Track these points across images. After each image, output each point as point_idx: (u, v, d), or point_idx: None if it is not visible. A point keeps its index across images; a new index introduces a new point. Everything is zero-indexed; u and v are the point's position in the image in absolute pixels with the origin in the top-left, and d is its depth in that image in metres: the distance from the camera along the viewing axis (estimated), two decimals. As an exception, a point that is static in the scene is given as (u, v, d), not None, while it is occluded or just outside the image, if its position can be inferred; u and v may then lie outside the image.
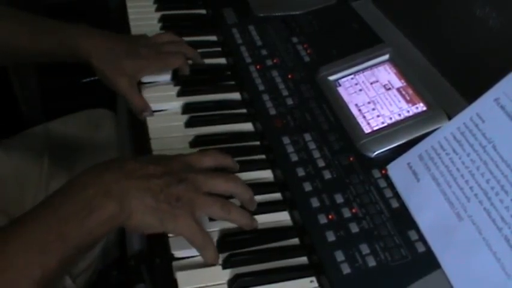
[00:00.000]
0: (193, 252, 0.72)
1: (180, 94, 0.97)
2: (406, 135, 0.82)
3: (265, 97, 0.93)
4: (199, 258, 0.72)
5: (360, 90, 0.90)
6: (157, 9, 1.17)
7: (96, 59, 0.94)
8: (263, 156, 0.88)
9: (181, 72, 1.00)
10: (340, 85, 0.92)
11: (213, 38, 1.12)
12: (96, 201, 0.65)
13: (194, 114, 0.94)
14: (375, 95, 0.89)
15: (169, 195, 0.68)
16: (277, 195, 0.82)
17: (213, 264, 0.72)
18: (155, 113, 0.94)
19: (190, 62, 1.02)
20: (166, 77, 1.00)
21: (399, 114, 0.85)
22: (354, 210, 0.74)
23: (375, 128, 0.84)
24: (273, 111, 0.90)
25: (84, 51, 0.94)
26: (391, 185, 0.77)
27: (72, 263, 0.66)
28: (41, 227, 0.63)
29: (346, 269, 0.68)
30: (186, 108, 0.95)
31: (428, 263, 0.69)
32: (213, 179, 0.73)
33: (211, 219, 0.76)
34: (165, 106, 0.96)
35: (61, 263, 0.63)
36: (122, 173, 0.68)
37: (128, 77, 0.95)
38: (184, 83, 0.99)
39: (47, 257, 0.62)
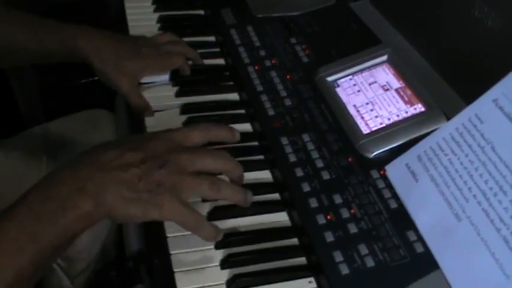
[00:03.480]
0: (191, 249, 0.72)
1: (178, 94, 0.97)
2: (404, 136, 0.82)
3: (264, 98, 0.93)
4: (198, 257, 0.72)
5: (359, 91, 0.90)
6: (155, 10, 1.17)
7: (96, 60, 0.94)
8: (261, 157, 0.88)
9: (181, 73, 1.00)
10: (338, 86, 0.92)
11: (212, 38, 1.12)
12: (70, 199, 0.63)
13: (193, 115, 0.94)
14: (373, 96, 0.89)
15: (149, 183, 0.65)
16: (275, 196, 0.82)
17: (215, 240, 0.71)
18: (154, 113, 0.94)
19: (190, 62, 1.02)
20: (165, 77, 1.00)
21: (397, 115, 0.85)
22: (352, 211, 0.75)
23: (373, 129, 0.84)
24: (271, 112, 0.90)
25: (84, 51, 0.94)
26: (389, 186, 0.77)
27: (50, 262, 0.64)
28: (14, 226, 0.61)
29: (344, 270, 0.68)
30: (185, 109, 0.95)
31: (427, 263, 0.69)
32: (198, 157, 0.69)
33: (210, 219, 0.76)
34: (163, 106, 0.96)
35: (35, 263, 0.61)
36: (97, 166, 0.65)
37: (128, 77, 0.95)
38: (183, 84, 0.99)
39: (20, 258, 0.60)
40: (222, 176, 0.73)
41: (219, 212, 0.78)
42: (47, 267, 0.64)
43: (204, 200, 0.75)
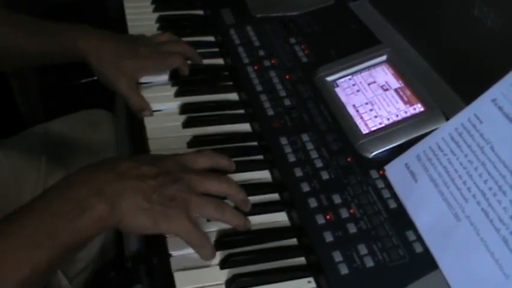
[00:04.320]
0: (190, 250, 0.72)
1: (177, 94, 0.97)
2: (403, 136, 0.82)
3: (263, 98, 0.93)
4: (197, 257, 0.72)
5: (358, 91, 0.90)
6: (155, 10, 1.17)
7: (95, 60, 0.94)
8: (261, 157, 0.88)
9: (181, 73, 1.00)
10: (337, 86, 0.92)
11: (211, 38, 1.12)
12: (88, 201, 0.65)
13: (192, 115, 0.94)
14: (372, 96, 0.89)
15: (163, 196, 0.68)
16: (275, 196, 0.82)
17: (211, 259, 0.72)
18: (153, 113, 0.94)
19: (189, 62, 1.02)
20: (164, 77, 1.00)
21: (397, 115, 0.85)
22: (351, 211, 0.75)
23: (372, 129, 0.84)
24: (270, 112, 0.90)
25: (83, 52, 0.94)
26: (389, 186, 0.77)
27: (61, 263, 0.65)
28: (33, 222, 0.63)
29: (344, 270, 0.68)
30: (184, 109, 0.95)
31: (426, 263, 0.69)
32: (207, 179, 0.73)
33: (208, 220, 0.76)
34: (162, 106, 0.96)
35: (50, 261, 0.62)
36: (115, 173, 0.68)
37: (127, 76, 0.95)
38: (182, 84, 0.99)
39: (37, 253, 0.62)
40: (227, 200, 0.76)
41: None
42: (57, 268, 0.65)
43: (208, 219, 0.76)
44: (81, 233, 0.64)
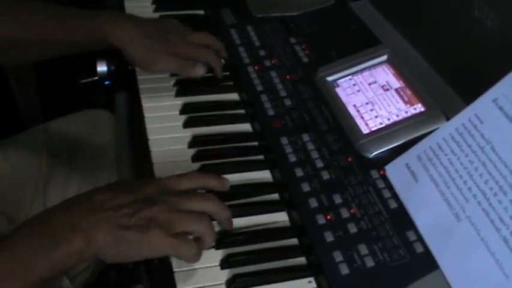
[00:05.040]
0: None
1: (178, 94, 0.97)
2: (404, 136, 0.82)
3: (264, 98, 0.93)
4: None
5: (358, 91, 0.90)
6: (155, 10, 1.17)
7: (130, 46, 0.95)
8: (261, 157, 0.88)
9: (215, 74, 1.00)
10: (338, 86, 0.92)
11: (211, 38, 1.12)
12: (63, 235, 0.64)
13: (192, 115, 0.94)
14: (373, 96, 0.89)
15: (140, 220, 0.66)
16: (275, 196, 0.82)
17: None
18: (152, 114, 0.94)
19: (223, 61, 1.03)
20: (164, 77, 1.00)
21: (397, 115, 0.85)
22: (352, 211, 0.75)
23: (373, 129, 0.84)
24: (271, 112, 0.90)
25: (114, 39, 0.94)
26: (389, 186, 0.77)
27: None
28: (7, 255, 0.63)
29: (344, 270, 0.68)
30: (184, 109, 0.95)
31: (427, 263, 0.69)
32: (187, 199, 0.71)
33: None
34: (163, 106, 0.95)
35: None
36: (90, 206, 0.67)
37: (163, 53, 0.96)
38: (183, 84, 0.99)
39: (9, 284, 0.62)
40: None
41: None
42: None
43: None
44: (57, 266, 0.64)
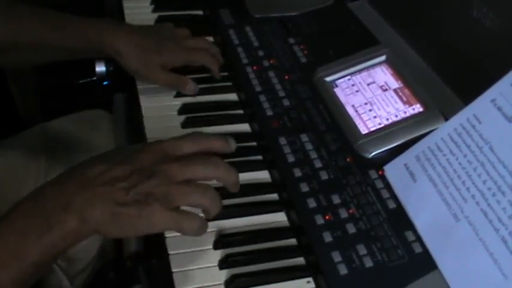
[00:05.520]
0: (190, 250, 0.72)
1: (177, 95, 0.97)
2: (403, 136, 0.82)
3: (262, 98, 0.93)
4: (196, 257, 0.72)
5: (357, 91, 0.90)
6: (154, 10, 1.17)
7: (125, 57, 0.95)
8: (260, 157, 0.88)
9: (213, 74, 1.00)
10: (337, 86, 0.92)
11: (210, 39, 1.11)
12: (56, 215, 0.61)
13: (191, 115, 0.94)
14: (371, 96, 0.89)
15: (137, 195, 0.62)
16: (274, 196, 0.82)
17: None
18: (151, 114, 0.94)
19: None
20: None
21: (396, 115, 0.85)
22: (351, 211, 0.75)
23: (371, 129, 0.84)
24: (269, 112, 0.90)
25: (112, 50, 0.95)
26: (388, 186, 0.77)
27: (32, 280, 0.62)
28: None
29: (343, 270, 0.68)
30: (183, 109, 0.95)
31: (425, 263, 0.69)
32: (188, 165, 0.66)
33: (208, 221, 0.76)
34: (162, 106, 0.96)
35: (15, 281, 0.60)
36: (83, 181, 0.63)
37: (155, 69, 0.96)
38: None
39: (0, 273, 0.59)
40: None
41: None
42: (29, 285, 0.63)
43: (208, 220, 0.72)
44: (50, 249, 0.61)
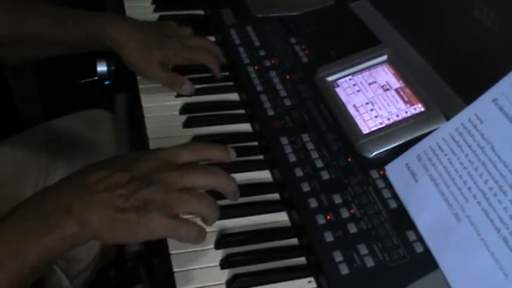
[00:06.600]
0: (191, 250, 0.72)
1: (178, 94, 0.97)
2: (404, 136, 0.82)
3: (264, 98, 0.93)
4: (197, 257, 0.72)
5: (358, 91, 0.90)
6: (155, 10, 1.17)
7: (126, 51, 0.95)
8: (261, 157, 0.88)
9: (213, 73, 1.00)
10: (338, 86, 0.92)
11: (211, 38, 1.11)
12: (56, 219, 0.61)
13: (192, 115, 0.94)
14: (373, 96, 0.89)
15: (136, 202, 0.63)
16: (275, 196, 0.82)
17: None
18: (152, 114, 0.94)
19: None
20: None
21: (397, 115, 0.85)
22: (352, 211, 0.75)
23: (373, 129, 0.84)
24: (271, 112, 0.90)
25: (113, 43, 0.95)
26: (389, 186, 0.77)
27: (28, 282, 0.62)
28: None
29: (344, 270, 0.68)
30: (184, 109, 0.95)
31: (427, 263, 0.69)
32: (187, 174, 0.67)
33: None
34: (163, 106, 0.96)
35: (12, 282, 0.60)
36: (84, 187, 0.64)
37: (157, 65, 0.96)
38: (183, 84, 0.99)
39: None
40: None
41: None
42: (26, 286, 0.63)
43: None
44: (48, 252, 0.61)
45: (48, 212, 0.62)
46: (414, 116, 0.84)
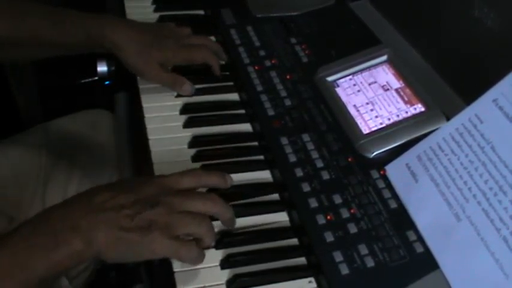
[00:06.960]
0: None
1: (178, 94, 0.97)
2: (404, 136, 0.82)
3: (264, 98, 0.93)
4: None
5: (358, 91, 0.90)
6: (155, 10, 1.17)
7: (125, 52, 0.95)
8: (261, 157, 0.88)
9: (213, 71, 1.00)
10: (338, 86, 0.92)
11: (212, 38, 1.11)
12: (63, 235, 0.64)
13: (192, 115, 0.94)
14: (373, 96, 0.89)
15: (140, 222, 0.66)
16: (275, 196, 0.82)
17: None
18: (152, 114, 0.94)
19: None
20: None
21: (397, 115, 0.85)
22: (352, 211, 0.75)
23: (373, 129, 0.84)
24: (271, 112, 0.90)
25: (112, 44, 0.95)
26: (389, 186, 0.77)
27: None
28: (6, 254, 0.62)
29: (344, 270, 0.68)
30: (185, 109, 0.95)
31: (427, 263, 0.69)
32: (188, 199, 0.70)
33: (212, 219, 0.76)
34: (163, 106, 0.95)
35: None
36: (91, 206, 0.67)
37: (155, 65, 0.96)
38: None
39: (8, 285, 0.62)
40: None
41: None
42: None
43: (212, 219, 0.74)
44: (55, 266, 0.63)
45: (56, 228, 0.64)
46: (414, 116, 0.84)
